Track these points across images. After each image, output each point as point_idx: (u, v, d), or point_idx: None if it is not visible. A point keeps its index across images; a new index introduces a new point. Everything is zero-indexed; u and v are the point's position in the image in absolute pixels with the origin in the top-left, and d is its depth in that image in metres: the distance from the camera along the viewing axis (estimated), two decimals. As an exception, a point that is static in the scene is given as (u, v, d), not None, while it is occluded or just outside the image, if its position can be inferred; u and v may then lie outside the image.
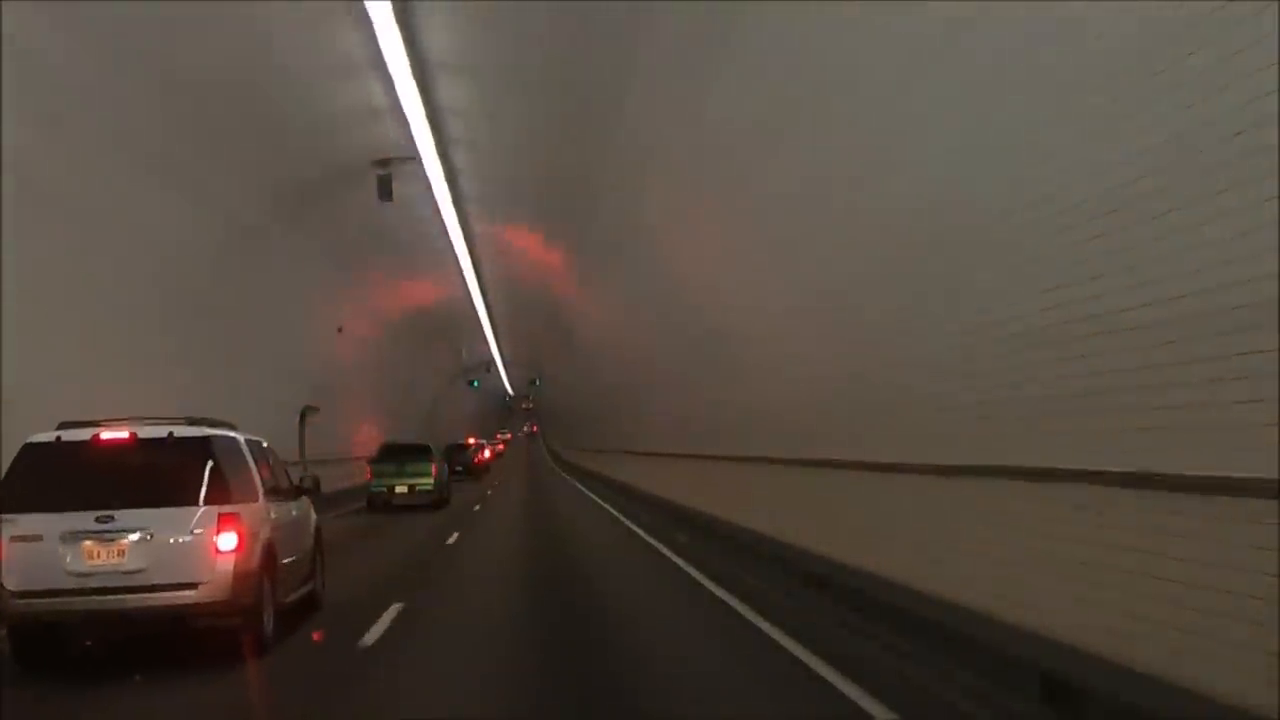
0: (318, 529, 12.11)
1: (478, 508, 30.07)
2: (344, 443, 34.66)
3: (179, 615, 8.83)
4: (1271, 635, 5.11)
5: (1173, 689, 5.90)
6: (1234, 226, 5.32)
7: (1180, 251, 5.80)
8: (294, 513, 11.00)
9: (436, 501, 29.83)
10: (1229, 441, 5.50)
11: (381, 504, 29.27)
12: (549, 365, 50.26)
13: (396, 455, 30.30)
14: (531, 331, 43.66)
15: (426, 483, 29.57)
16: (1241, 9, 5.14)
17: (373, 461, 30.47)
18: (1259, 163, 5.07)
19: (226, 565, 8.80)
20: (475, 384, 57.20)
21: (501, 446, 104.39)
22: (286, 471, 11.53)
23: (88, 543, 8.65)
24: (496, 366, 55.80)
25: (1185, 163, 5.71)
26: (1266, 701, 5.11)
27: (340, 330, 28.96)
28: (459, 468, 45.57)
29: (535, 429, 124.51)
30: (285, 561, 10.18)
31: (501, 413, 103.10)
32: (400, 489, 29.40)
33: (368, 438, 36.71)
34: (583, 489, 39.51)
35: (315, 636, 10.39)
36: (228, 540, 8.82)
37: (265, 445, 10.98)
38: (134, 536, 8.70)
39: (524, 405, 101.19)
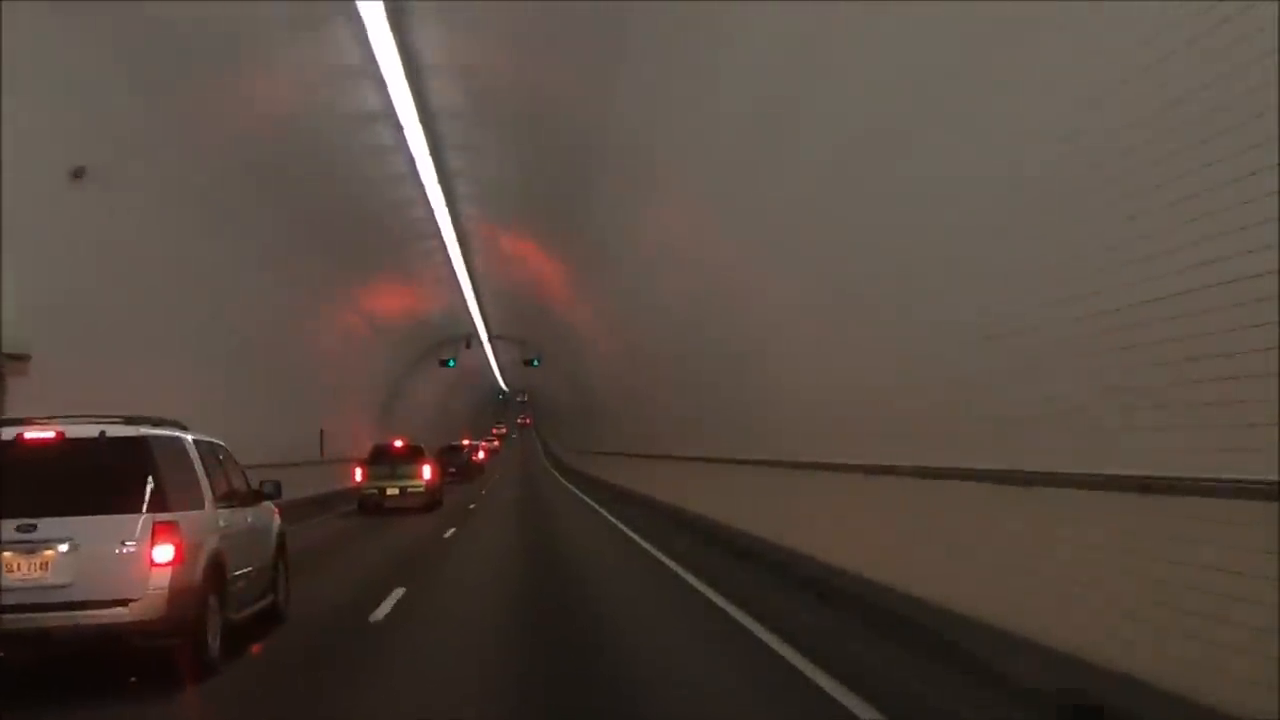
0: (281, 536, 11.21)
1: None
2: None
3: (109, 635, 7.90)
4: (1271, 640, 4.94)
5: (1170, 696, 5.69)
6: (1233, 221, 5.17)
7: (1179, 248, 5.64)
8: (250, 520, 10.11)
9: (429, 504, 29.53)
10: (1229, 443, 5.35)
11: (374, 506, 28.81)
12: (550, 344, 40.69)
13: (389, 457, 29.83)
14: (526, 302, 34.97)
15: (418, 485, 29.38)
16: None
17: (365, 463, 29.86)
18: (1259, 157, 4.91)
19: (162, 580, 7.90)
20: (451, 363, 42.45)
21: (497, 443, 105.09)
22: (246, 475, 10.64)
23: (7, 554, 7.75)
24: (480, 340, 43.62)
25: (1180, 156, 5.53)
26: (1266, 707, 4.93)
27: (80, 175, 13.17)
28: (452, 469, 45.78)
29: (529, 420, 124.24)
30: (237, 574, 9.30)
31: (497, 407, 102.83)
32: (392, 491, 29.14)
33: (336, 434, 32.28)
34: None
35: (255, 649, 9.55)
36: (164, 552, 7.93)
37: (219, 446, 10.11)
38: (60, 548, 7.81)
39: (519, 398, 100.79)
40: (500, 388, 78.56)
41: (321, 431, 30.57)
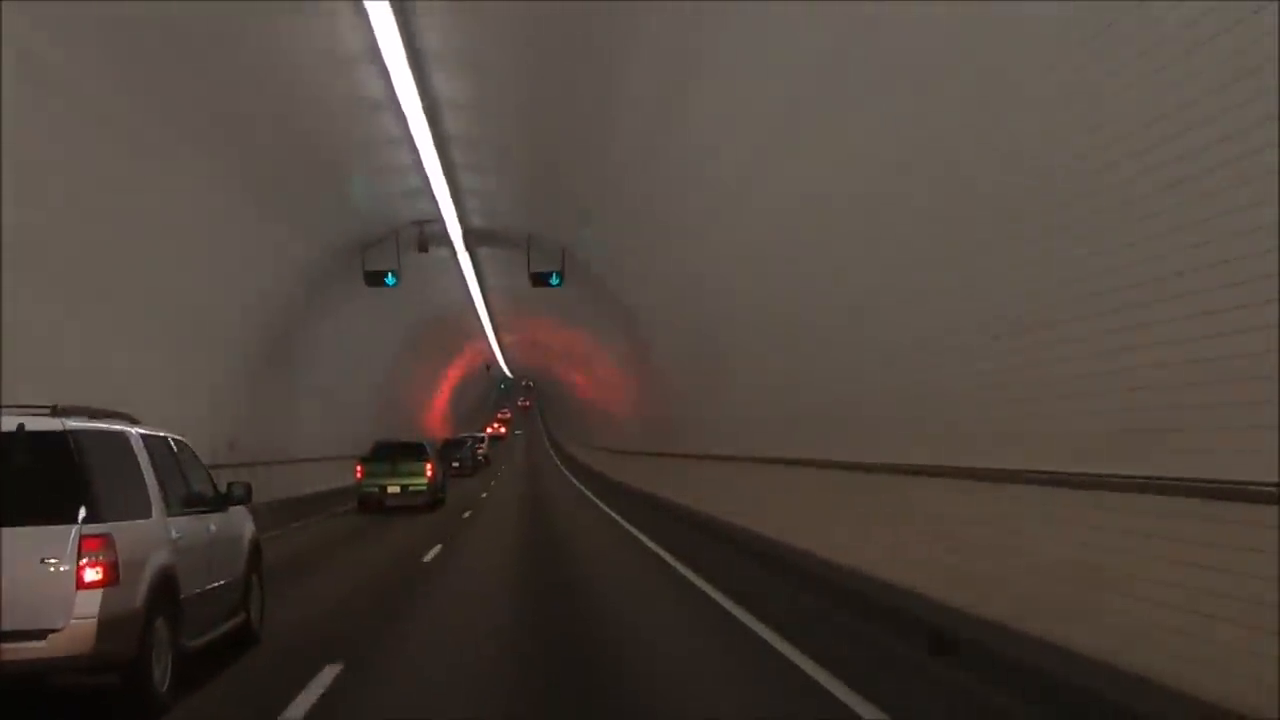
0: (254, 545, 9.79)
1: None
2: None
3: (25, 674, 6.48)
4: (1271, 640, 4.90)
5: (1171, 693, 5.61)
6: (1233, 226, 5.11)
7: (1178, 250, 5.57)
8: (212, 529, 8.67)
9: (430, 503, 28.48)
10: (1228, 445, 5.28)
11: (374, 504, 27.83)
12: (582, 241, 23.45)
13: (389, 454, 28.61)
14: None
15: (420, 483, 28.23)
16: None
17: (364, 460, 28.63)
18: (1259, 162, 4.85)
19: (90, 606, 6.47)
20: (390, 279, 23.26)
21: (503, 430, 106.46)
22: (211, 477, 9.22)
23: (-97, 576, 6.34)
24: (451, 241, 24.32)
25: (1184, 162, 5.45)
26: (1266, 707, 4.88)
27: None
28: (455, 463, 45.87)
29: (529, 403, 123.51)
30: (195, 592, 7.88)
31: (499, 397, 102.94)
32: (393, 489, 28.08)
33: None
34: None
35: None
36: (93, 572, 6.51)
37: (176, 442, 8.69)
38: (-32, 567, 6.40)
39: (525, 383, 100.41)
40: (504, 374, 76.59)
41: None
